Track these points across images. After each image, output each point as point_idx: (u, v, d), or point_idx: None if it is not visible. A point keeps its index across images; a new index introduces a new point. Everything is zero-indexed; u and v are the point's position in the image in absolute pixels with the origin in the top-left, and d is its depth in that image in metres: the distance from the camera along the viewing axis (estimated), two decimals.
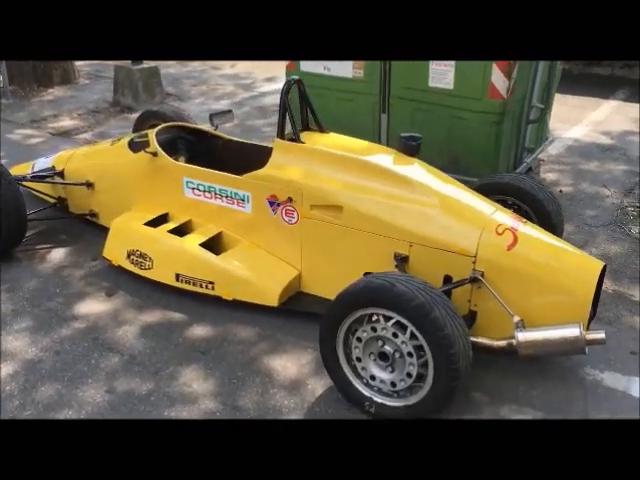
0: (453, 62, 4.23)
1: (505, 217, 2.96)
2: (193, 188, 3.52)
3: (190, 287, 3.36)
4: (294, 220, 3.24)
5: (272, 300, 3.24)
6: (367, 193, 3.06)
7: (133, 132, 4.87)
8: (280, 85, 3.43)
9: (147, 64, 7.12)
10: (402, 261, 2.97)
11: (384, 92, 4.62)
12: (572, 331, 2.59)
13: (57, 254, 3.92)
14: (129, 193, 3.81)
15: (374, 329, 2.53)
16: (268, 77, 8.29)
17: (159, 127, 3.84)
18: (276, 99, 7.46)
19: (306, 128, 3.50)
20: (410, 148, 3.24)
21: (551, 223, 3.44)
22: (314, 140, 3.35)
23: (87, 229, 4.16)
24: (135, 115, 6.77)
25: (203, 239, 3.40)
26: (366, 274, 3.11)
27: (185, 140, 3.95)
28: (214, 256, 3.34)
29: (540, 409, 2.69)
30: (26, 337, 3.14)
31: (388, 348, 2.53)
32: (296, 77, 3.38)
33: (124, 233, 3.61)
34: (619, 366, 2.94)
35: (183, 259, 3.39)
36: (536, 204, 3.48)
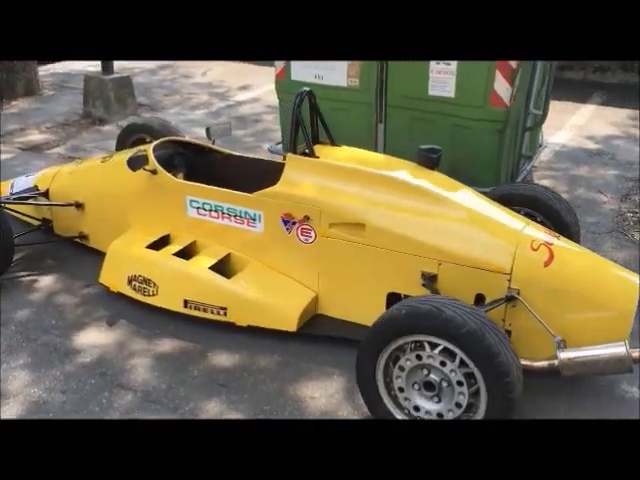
0: (454, 70, 4.12)
1: (538, 231, 2.85)
2: (198, 207, 3.31)
3: (200, 313, 3.15)
4: (311, 239, 3.07)
5: (290, 325, 3.06)
6: (391, 209, 2.92)
7: (117, 147, 4.63)
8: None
9: (119, 74, 6.83)
10: (431, 280, 2.83)
11: (381, 101, 4.49)
12: (618, 349, 2.49)
13: (46, 281, 3.65)
14: (125, 214, 3.57)
15: (419, 357, 2.38)
16: (242, 85, 8.07)
17: (155, 143, 3.61)
18: (254, 108, 7.37)
19: (316, 141, 3.34)
20: (431, 161, 3.11)
21: (569, 234, 3.35)
22: (328, 154, 3.20)
23: (75, 252, 3.89)
24: (108, 127, 6.56)
25: (212, 262, 3.20)
26: (390, 294, 2.99)
27: (182, 155, 3.73)
28: (225, 279, 3.14)
29: None
30: (26, 375, 2.88)
31: (434, 377, 2.38)
32: (307, 88, 3.21)
33: (124, 257, 3.37)
34: None
35: (192, 284, 3.18)
36: (554, 215, 3.39)
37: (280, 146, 5.14)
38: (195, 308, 3.15)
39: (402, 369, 2.43)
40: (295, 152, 3.15)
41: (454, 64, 4.11)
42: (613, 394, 2.81)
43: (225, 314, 3.12)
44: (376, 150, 4.65)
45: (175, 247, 3.31)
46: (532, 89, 4.55)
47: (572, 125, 6.63)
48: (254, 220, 3.18)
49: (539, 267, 2.69)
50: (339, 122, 4.60)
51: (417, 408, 2.46)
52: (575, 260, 2.76)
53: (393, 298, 2.99)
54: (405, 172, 3.05)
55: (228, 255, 3.28)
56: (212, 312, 3.13)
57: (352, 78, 4.53)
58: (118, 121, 6.63)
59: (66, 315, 3.33)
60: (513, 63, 3.98)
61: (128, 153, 3.76)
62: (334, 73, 4.56)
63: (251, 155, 3.88)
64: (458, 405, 2.36)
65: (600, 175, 5.32)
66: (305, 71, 4.67)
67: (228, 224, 3.26)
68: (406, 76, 4.30)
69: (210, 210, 3.28)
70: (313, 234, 3.05)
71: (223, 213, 3.25)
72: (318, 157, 3.12)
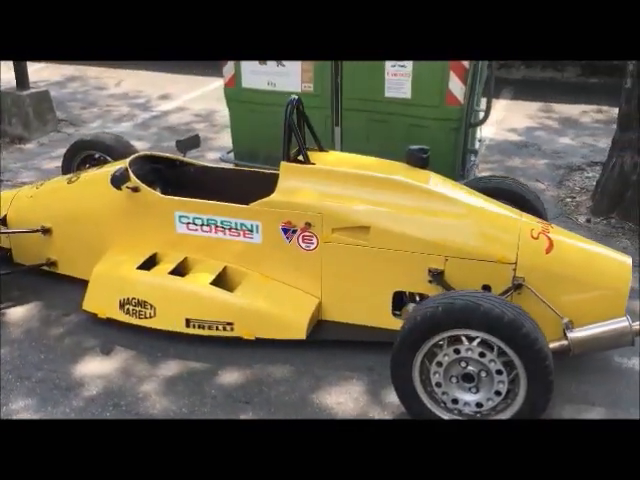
0: (410, 71, 4.26)
1: (533, 221, 3.02)
2: (187, 223, 3.22)
3: (204, 332, 3.06)
4: (313, 246, 3.07)
5: (299, 333, 3.05)
6: (394, 210, 2.98)
7: (64, 165, 4.38)
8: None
9: (35, 88, 6.45)
10: (438, 276, 2.93)
11: (336, 105, 4.56)
12: (621, 324, 2.70)
13: (19, 313, 3.40)
14: (102, 236, 3.39)
15: (457, 351, 2.46)
16: (162, 95, 7.85)
17: (130, 159, 3.46)
18: (181, 118, 7.21)
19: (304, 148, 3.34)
20: (422, 160, 3.20)
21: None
22: (320, 159, 3.21)
23: (42, 281, 3.65)
24: (30, 146, 6.17)
25: (211, 277, 3.12)
26: (396, 293, 3.05)
27: (157, 171, 3.60)
28: (229, 294, 3.08)
29: (601, 404, 2.77)
30: (32, 416, 2.68)
31: (472, 368, 2.47)
32: (296, 96, 3.21)
33: (113, 280, 3.21)
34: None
35: (193, 302, 3.08)
36: (527, 205, 3.58)
37: (232, 154, 5.07)
38: (199, 326, 3.06)
39: (440, 364, 2.49)
40: (289, 160, 3.14)
41: (409, 66, 4.25)
42: (611, 367, 3.04)
43: (232, 329, 3.06)
44: None
45: (168, 265, 3.19)
46: (476, 87, 4.79)
47: (492, 120, 6.99)
48: (251, 231, 3.13)
49: (541, 255, 2.85)
50: None
51: (455, 401, 2.53)
52: (571, 246, 2.95)
53: (398, 297, 3.07)
54: (401, 173, 3.13)
55: (224, 269, 3.21)
56: (217, 328, 3.06)
57: (306, 83, 4.56)
58: (39, 138, 6.27)
59: (54, 348, 3.12)
60: (466, 63, 4.18)
61: (97, 172, 3.60)
62: (287, 79, 4.58)
63: (229, 166, 3.80)
64: (497, 393, 2.46)
65: (532, 165, 5.68)
66: (257, 78, 4.66)
67: (222, 237, 3.19)
68: (361, 79, 4.39)
69: (202, 225, 3.20)
70: (315, 240, 3.05)
71: (217, 226, 3.18)
72: (314, 163, 3.12)
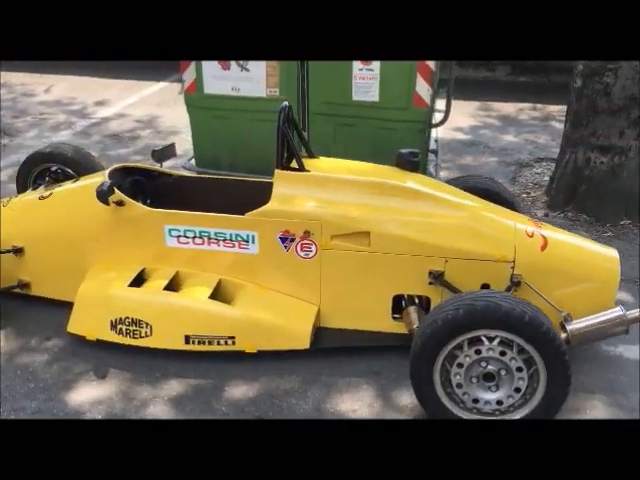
0: (377, 74, 4.30)
1: (526, 220, 3.13)
2: (178, 236, 3.11)
3: (205, 347, 2.98)
4: (311, 254, 3.04)
5: (303, 343, 3.02)
6: (392, 214, 3.00)
7: (18, 180, 4.13)
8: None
9: None
10: (438, 277, 2.97)
11: (303, 109, 4.53)
12: (616, 314, 2.83)
13: None
14: (84, 253, 3.23)
15: (478, 352, 2.50)
16: (98, 101, 7.55)
17: (109, 171, 3.31)
18: (123, 124, 6.95)
19: (291, 155, 3.30)
20: (413, 164, 3.24)
21: None
22: (313, 166, 3.19)
23: (12, 304, 3.42)
24: None
25: (208, 291, 3.03)
26: (396, 297, 3.08)
27: (138, 182, 3.46)
28: (229, 307, 3.01)
29: (600, 392, 2.90)
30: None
31: (493, 367, 2.53)
32: (287, 103, 3.16)
33: (103, 300, 3.05)
34: (626, 338, 3.27)
35: (192, 317, 2.98)
36: (505, 203, 3.69)
37: (193, 161, 4.94)
38: (199, 342, 2.97)
39: (460, 366, 2.53)
40: (283, 168, 3.09)
41: (377, 69, 4.29)
42: (600, 355, 3.18)
43: (234, 343, 2.98)
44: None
45: (160, 281, 3.07)
46: (435, 88, 4.89)
47: (438, 119, 7.16)
48: (247, 242, 3.07)
49: (537, 252, 2.95)
50: (261, 133, 4.59)
51: (476, 400, 2.58)
52: (563, 242, 3.07)
53: (396, 300, 3.09)
54: (394, 176, 3.15)
55: (219, 282, 3.12)
56: (219, 343, 2.98)
57: (272, 88, 4.51)
58: None
59: (42, 376, 2.94)
60: (432, 65, 4.25)
61: (73, 187, 3.42)
62: (252, 84, 4.51)
63: (204, 175, 3.70)
64: (517, 390, 2.53)
65: (484, 162, 5.87)
66: (220, 83, 4.55)
67: (216, 249, 3.10)
68: (328, 83, 4.39)
69: (194, 237, 3.10)
70: (314, 248, 3.03)
71: (210, 239, 3.09)
72: (308, 170, 3.09)
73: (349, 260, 3.02)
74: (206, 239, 3.09)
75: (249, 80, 4.50)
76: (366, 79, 4.33)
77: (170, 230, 3.10)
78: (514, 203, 3.70)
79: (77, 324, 3.08)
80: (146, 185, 3.51)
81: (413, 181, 3.14)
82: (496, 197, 3.68)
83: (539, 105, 7.67)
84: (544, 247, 2.97)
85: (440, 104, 4.85)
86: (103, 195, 2.97)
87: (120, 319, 2.98)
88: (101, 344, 3.05)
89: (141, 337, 2.98)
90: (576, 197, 4.88)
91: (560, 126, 6.93)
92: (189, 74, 4.60)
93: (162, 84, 8.32)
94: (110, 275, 3.13)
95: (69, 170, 4.00)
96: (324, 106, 4.47)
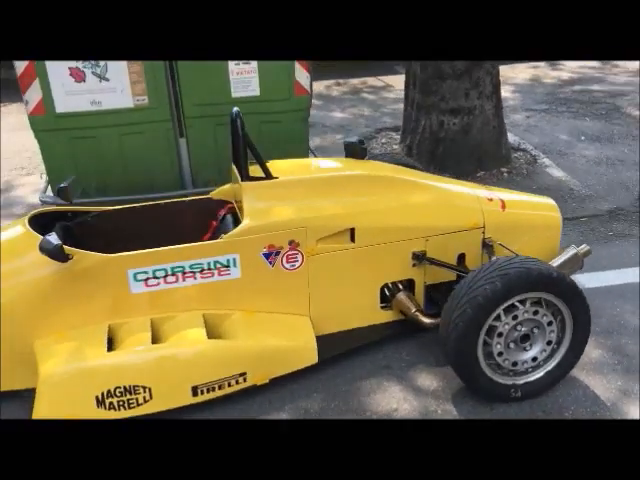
0: (255, 68, 4.12)
1: (478, 187, 3.29)
2: (146, 278, 2.67)
3: (215, 394, 2.64)
4: (298, 264, 2.85)
5: (312, 358, 2.84)
6: (371, 205, 2.93)
7: None
8: None
9: None
10: (422, 257, 3.00)
11: (178, 115, 4.15)
12: (572, 252, 3.15)
13: None
14: (26, 327, 2.60)
15: (515, 317, 2.59)
16: None
17: (27, 220, 2.69)
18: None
19: (238, 162, 3.02)
20: (363, 151, 3.19)
21: None
22: (275, 171, 2.94)
23: None
24: None
25: (202, 331, 2.67)
26: (384, 286, 3.05)
27: (64, 228, 2.86)
28: (231, 342, 2.69)
29: None
30: None
31: (526, 328, 2.64)
32: (237, 108, 2.86)
33: (82, 377, 2.48)
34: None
35: (196, 365, 2.61)
36: None
37: (50, 192, 4.22)
38: (208, 391, 2.61)
39: (500, 335, 2.61)
40: (249, 179, 2.82)
41: (254, 62, 4.10)
42: None
43: (245, 380, 2.69)
44: (181, 166, 4.33)
45: (141, 335, 2.62)
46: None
47: None
48: (228, 267, 2.75)
49: (500, 213, 3.14)
50: (132, 148, 4.15)
51: (515, 363, 2.68)
52: (515, 199, 3.29)
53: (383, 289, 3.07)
54: (357, 167, 3.08)
55: (202, 318, 2.77)
56: (230, 385, 2.66)
57: (139, 97, 4.05)
58: None
59: None
60: None
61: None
62: (115, 95, 4.00)
63: (131, 204, 3.20)
64: (549, 342, 2.69)
65: (333, 142, 6.00)
66: (75, 99, 3.95)
67: (193, 283, 2.73)
68: (202, 83, 4.08)
69: (165, 276, 2.69)
70: (300, 257, 2.84)
71: (184, 273, 2.71)
72: (276, 177, 2.86)
73: (336, 261, 2.90)
74: (180, 275, 2.70)
75: (111, 91, 3.98)
76: (244, 73, 4.12)
77: (135, 274, 2.65)
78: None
79: (47, 409, 2.48)
80: (75, 229, 2.93)
81: (375, 169, 3.10)
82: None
83: (341, 80, 8.01)
84: (503, 207, 3.16)
85: None
86: (57, 251, 2.42)
87: (109, 392, 2.49)
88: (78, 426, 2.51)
89: (139, 405, 2.53)
90: (436, 158, 5.26)
91: (372, 97, 7.40)
92: (33, 92, 3.90)
93: None
94: (73, 345, 2.57)
95: None
96: (201, 108, 4.15)
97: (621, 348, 3.05)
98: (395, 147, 5.73)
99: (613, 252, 3.92)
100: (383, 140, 6.00)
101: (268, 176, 2.85)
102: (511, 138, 5.73)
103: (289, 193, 2.86)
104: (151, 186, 4.27)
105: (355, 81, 7.94)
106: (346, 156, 3.22)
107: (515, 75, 8.45)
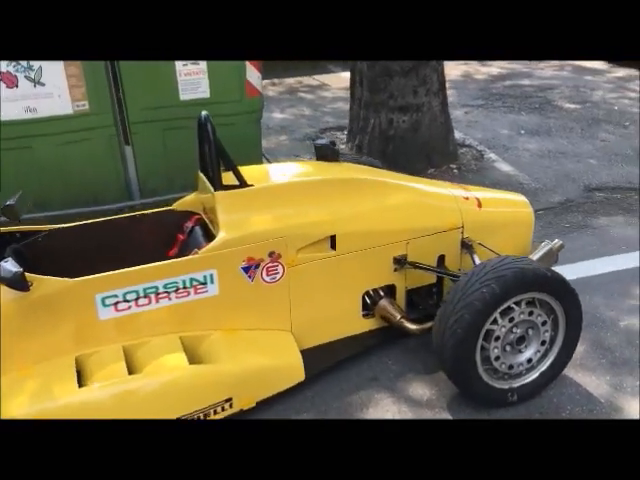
0: (205, 69, 3.90)
1: (453, 186, 3.22)
2: (116, 303, 2.41)
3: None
4: (278, 276, 2.67)
5: (299, 375, 2.68)
6: (350, 210, 2.79)
7: None
8: None
9: None
10: (403, 261, 2.90)
11: (122, 120, 3.87)
12: (548, 246, 3.13)
13: None
14: None
15: (511, 319, 2.52)
16: None
17: None
18: None
19: (205, 170, 2.83)
20: (335, 153, 3.04)
21: None
22: (249, 178, 2.74)
23: None
24: None
25: (182, 356, 2.44)
26: (365, 294, 2.93)
27: (15, 252, 2.54)
28: (214, 366, 2.48)
29: None
30: None
31: (521, 330, 2.57)
32: (205, 112, 2.65)
33: (51, 416, 2.21)
34: None
35: (179, 395, 2.38)
36: None
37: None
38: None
39: (497, 339, 2.52)
40: (223, 188, 2.62)
41: (203, 62, 3.87)
42: None
43: (231, 406, 2.48)
44: (127, 174, 4.05)
45: (114, 366, 2.36)
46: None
47: None
48: (205, 284, 2.54)
49: (477, 212, 3.07)
50: (75, 158, 3.86)
51: (511, 366, 2.61)
52: (488, 198, 3.23)
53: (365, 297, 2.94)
54: (330, 171, 2.93)
55: (179, 341, 2.54)
56: (215, 412, 2.45)
57: (79, 102, 3.75)
58: None
59: None
60: None
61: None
62: (52, 100, 3.68)
63: (86, 221, 2.92)
64: (542, 343, 2.63)
65: (279, 143, 5.82)
66: (8, 106, 3.64)
67: (168, 304, 2.50)
68: (148, 86, 3.83)
69: (137, 298, 2.44)
70: (280, 269, 2.66)
71: (158, 294, 2.47)
72: (252, 185, 2.66)
73: (317, 271, 2.74)
74: (153, 296, 2.46)
75: (47, 96, 3.66)
76: (193, 74, 3.89)
77: (103, 299, 2.39)
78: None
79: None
80: (27, 251, 2.63)
81: (349, 171, 2.97)
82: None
83: (276, 80, 7.83)
84: (480, 206, 3.10)
85: None
86: (18, 280, 2.14)
87: None
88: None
89: None
90: (386, 157, 5.17)
91: (310, 97, 7.27)
92: None
93: None
94: (37, 382, 2.29)
95: None
96: (147, 112, 3.89)
97: (601, 342, 3.05)
98: (342, 147, 5.61)
99: (577, 245, 3.95)
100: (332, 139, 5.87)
101: (242, 184, 2.65)
102: (456, 134, 5.73)
103: (266, 201, 2.68)
104: (95, 198, 3.97)
105: (291, 81, 7.78)
106: (317, 158, 3.07)
107: (447, 72, 8.51)
